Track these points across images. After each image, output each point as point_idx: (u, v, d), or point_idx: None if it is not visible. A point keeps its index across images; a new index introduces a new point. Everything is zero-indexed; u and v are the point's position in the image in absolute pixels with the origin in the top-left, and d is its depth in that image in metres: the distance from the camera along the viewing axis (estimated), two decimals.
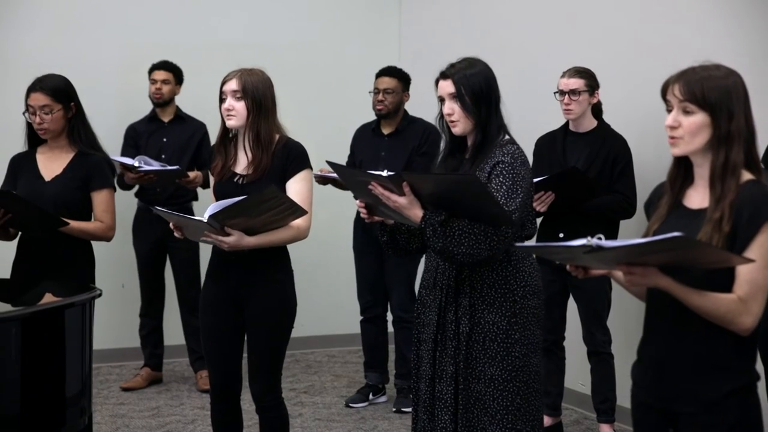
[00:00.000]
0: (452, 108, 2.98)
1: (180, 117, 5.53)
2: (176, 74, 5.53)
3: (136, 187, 5.39)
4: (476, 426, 2.94)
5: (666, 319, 2.28)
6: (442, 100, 3.02)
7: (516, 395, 2.93)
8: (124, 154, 5.36)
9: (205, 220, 3.16)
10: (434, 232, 2.83)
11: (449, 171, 3.06)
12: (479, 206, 2.80)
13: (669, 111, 2.27)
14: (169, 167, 5.05)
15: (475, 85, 2.97)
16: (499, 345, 2.93)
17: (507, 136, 3.03)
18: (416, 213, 2.84)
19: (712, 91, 2.20)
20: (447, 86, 2.99)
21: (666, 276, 2.16)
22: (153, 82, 5.49)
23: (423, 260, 3.23)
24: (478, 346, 2.94)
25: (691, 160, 2.29)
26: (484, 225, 2.82)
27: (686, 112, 2.23)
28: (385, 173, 2.83)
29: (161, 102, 5.47)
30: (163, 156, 5.33)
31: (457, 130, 3.00)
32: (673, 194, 2.33)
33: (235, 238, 3.21)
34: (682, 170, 2.32)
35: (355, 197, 3.05)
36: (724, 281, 2.18)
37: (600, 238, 2.12)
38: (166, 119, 5.52)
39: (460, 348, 2.94)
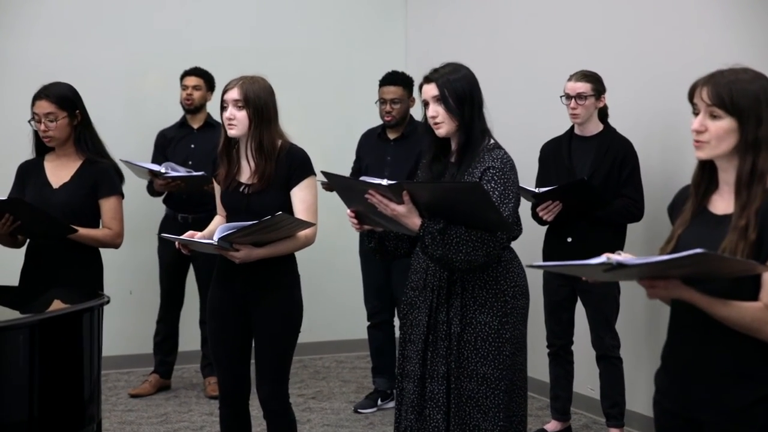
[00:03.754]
0: (436, 110, 3.03)
1: (210, 124, 5.48)
2: (207, 80, 5.50)
3: (165, 194, 5.40)
4: (469, 423, 3.00)
5: (691, 327, 2.24)
6: (426, 104, 3.07)
7: (506, 393, 3.00)
8: (154, 160, 5.36)
9: (215, 242, 3.19)
10: (433, 240, 2.87)
11: (434, 177, 3.10)
12: (477, 213, 2.84)
13: (695, 114, 2.22)
14: (195, 173, 5.07)
15: (458, 87, 3.02)
16: (491, 344, 2.99)
17: (492, 141, 3.07)
18: (414, 221, 2.89)
19: (741, 96, 2.16)
20: (431, 89, 3.04)
21: (689, 287, 2.13)
22: (184, 88, 5.47)
23: None
24: (470, 345, 2.99)
25: (717, 164, 2.26)
26: (480, 232, 2.87)
27: (713, 117, 2.19)
28: (385, 182, 2.86)
29: (192, 108, 5.46)
30: (189, 162, 5.32)
31: (441, 131, 3.04)
32: (697, 199, 2.30)
33: (245, 253, 3.25)
34: (706, 175, 2.29)
35: (348, 205, 3.07)
36: (751, 289, 2.15)
37: (619, 254, 2.09)
38: (195, 126, 5.51)
39: (452, 348, 3.00)
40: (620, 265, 2.06)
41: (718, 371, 2.21)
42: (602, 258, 2.08)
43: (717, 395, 2.21)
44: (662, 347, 2.36)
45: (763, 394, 2.17)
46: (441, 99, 3.01)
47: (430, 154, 3.14)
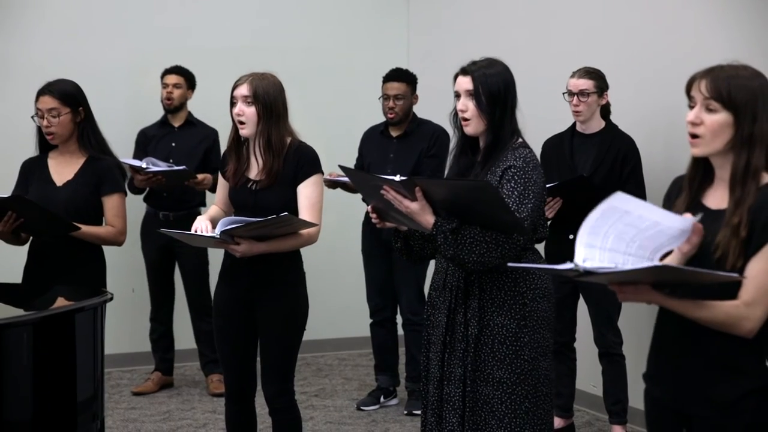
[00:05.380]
0: (466, 105, 2.94)
1: (191, 122, 5.52)
2: (188, 79, 5.52)
3: (146, 192, 5.40)
4: (483, 429, 2.91)
5: (679, 322, 2.25)
6: (457, 95, 2.98)
7: (524, 399, 2.90)
8: (135, 158, 5.35)
9: (218, 236, 3.19)
10: (445, 239, 2.80)
11: (462, 172, 3.03)
12: (491, 213, 2.77)
13: (691, 107, 2.23)
14: (176, 167, 5.07)
15: (494, 86, 2.93)
16: (508, 348, 2.90)
17: (520, 140, 2.99)
18: (428, 219, 2.82)
19: (738, 91, 2.17)
20: (465, 83, 2.95)
21: (657, 292, 2.16)
22: (164, 86, 5.49)
23: (432, 262, 3.20)
24: (487, 348, 2.92)
25: (711, 161, 2.26)
26: (495, 233, 2.79)
27: (709, 110, 2.19)
28: (398, 178, 2.80)
29: (172, 107, 5.47)
30: (171, 160, 5.32)
31: (468, 129, 2.97)
32: (691, 194, 2.31)
33: (246, 247, 3.25)
34: (700, 170, 2.30)
35: (366, 202, 3.04)
36: (736, 286, 2.16)
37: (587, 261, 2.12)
38: (176, 124, 5.52)
39: (469, 350, 2.92)
40: (587, 273, 2.10)
41: (707, 366, 2.23)
42: (570, 264, 2.11)
43: (705, 389, 2.23)
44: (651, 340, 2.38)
45: (751, 388, 2.20)
46: (474, 95, 2.93)
47: (458, 147, 3.06)
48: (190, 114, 5.55)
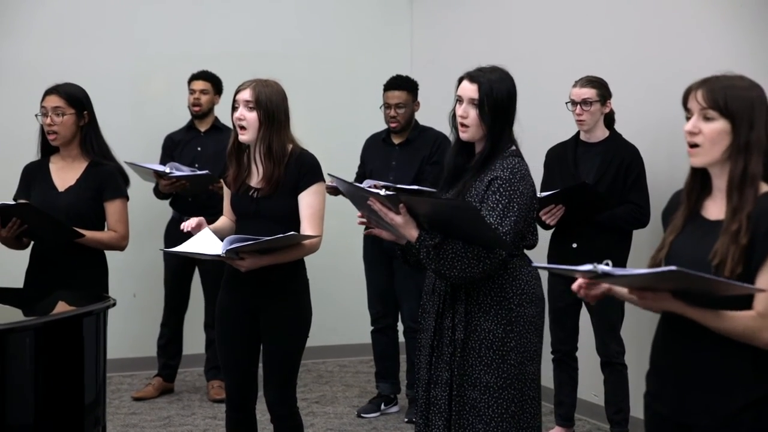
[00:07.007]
0: (468, 112, 2.95)
1: (217, 127, 5.51)
2: (215, 84, 5.52)
3: (171, 197, 5.40)
4: None
5: (681, 332, 2.26)
6: (460, 100, 2.98)
7: (511, 403, 2.93)
8: (162, 163, 5.34)
9: (223, 254, 3.19)
10: (428, 254, 2.85)
11: (455, 173, 3.04)
12: (473, 230, 2.81)
13: (688, 118, 2.25)
14: (200, 172, 5.08)
15: (498, 96, 2.94)
16: (495, 353, 2.93)
17: (513, 147, 3.00)
18: (411, 233, 2.86)
19: (735, 100, 2.19)
20: (471, 91, 2.95)
21: (677, 300, 2.17)
22: (191, 92, 5.49)
23: None
24: (473, 353, 2.94)
25: (710, 171, 2.28)
26: (477, 248, 2.82)
27: (707, 119, 2.21)
28: (383, 192, 2.84)
29: (200, 113, 5.47)
30: (196, 165, 5.32)
31: (465, 135, 2.98)
32: (690, 205, 2.32)
33: (251, 261, 3.26)
34: (698, 181, 2.31)
35: (358, 209, 3.07)
36: (748, 296, 2.16)
37: (607, 264, 2.15)
38: (202, 129, 5.53)
39: (456, 355, 2.95)
40: (605, 275, 2.14)
41: (708, 376, 2.23)
42: (589, 266, 2.15)
43: (707, 401, 2.23)
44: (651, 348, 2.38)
45: (752, 400, 2.20)
46: (478, 105, 2.93)
47: (454, 148, 3.07)
48: (216, 119, 5.54)
